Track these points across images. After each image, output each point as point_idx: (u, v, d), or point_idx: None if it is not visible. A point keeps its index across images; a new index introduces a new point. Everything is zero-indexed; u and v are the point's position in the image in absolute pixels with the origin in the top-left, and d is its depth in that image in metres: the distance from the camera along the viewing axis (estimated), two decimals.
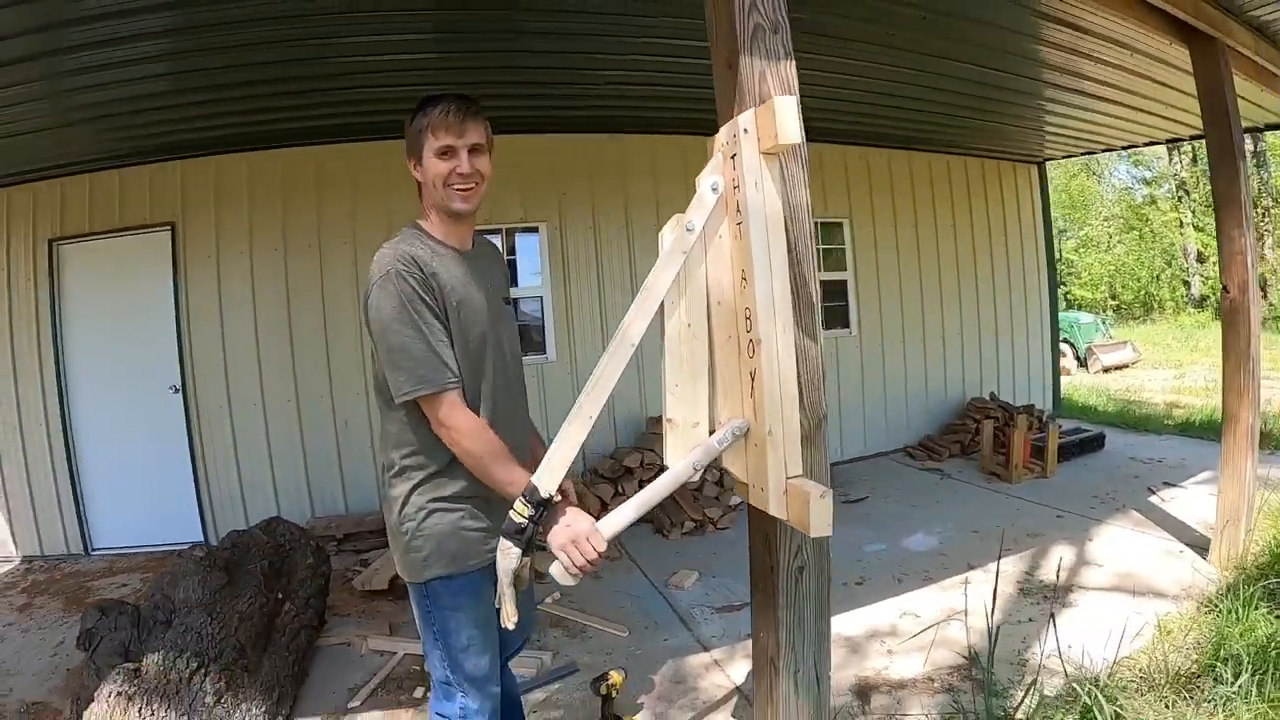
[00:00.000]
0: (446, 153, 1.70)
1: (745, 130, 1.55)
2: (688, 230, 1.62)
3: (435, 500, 1.72)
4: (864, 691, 2.90)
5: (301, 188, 5.57)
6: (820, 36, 4.22)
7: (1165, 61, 4.73)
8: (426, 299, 1.62)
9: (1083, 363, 13.65)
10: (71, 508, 5.56)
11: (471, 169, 1.72)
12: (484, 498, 1.75)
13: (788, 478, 1.59)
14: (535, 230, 6.09)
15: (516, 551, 1.57)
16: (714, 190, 1.63)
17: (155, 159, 5.38)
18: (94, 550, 5.60)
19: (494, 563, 1.71)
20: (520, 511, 1.57)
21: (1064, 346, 13.13)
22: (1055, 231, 23.99)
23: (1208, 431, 7.04)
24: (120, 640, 3.11)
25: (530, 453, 1.91)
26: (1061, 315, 14.32)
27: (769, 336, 1.55)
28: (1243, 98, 4.06)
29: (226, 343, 5.49)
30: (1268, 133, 8.32)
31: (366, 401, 5.53)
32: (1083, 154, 8.30)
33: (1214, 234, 22.31)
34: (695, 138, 5.88)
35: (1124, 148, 7.90)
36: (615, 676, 2.61)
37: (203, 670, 2.78)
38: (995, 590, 2.95)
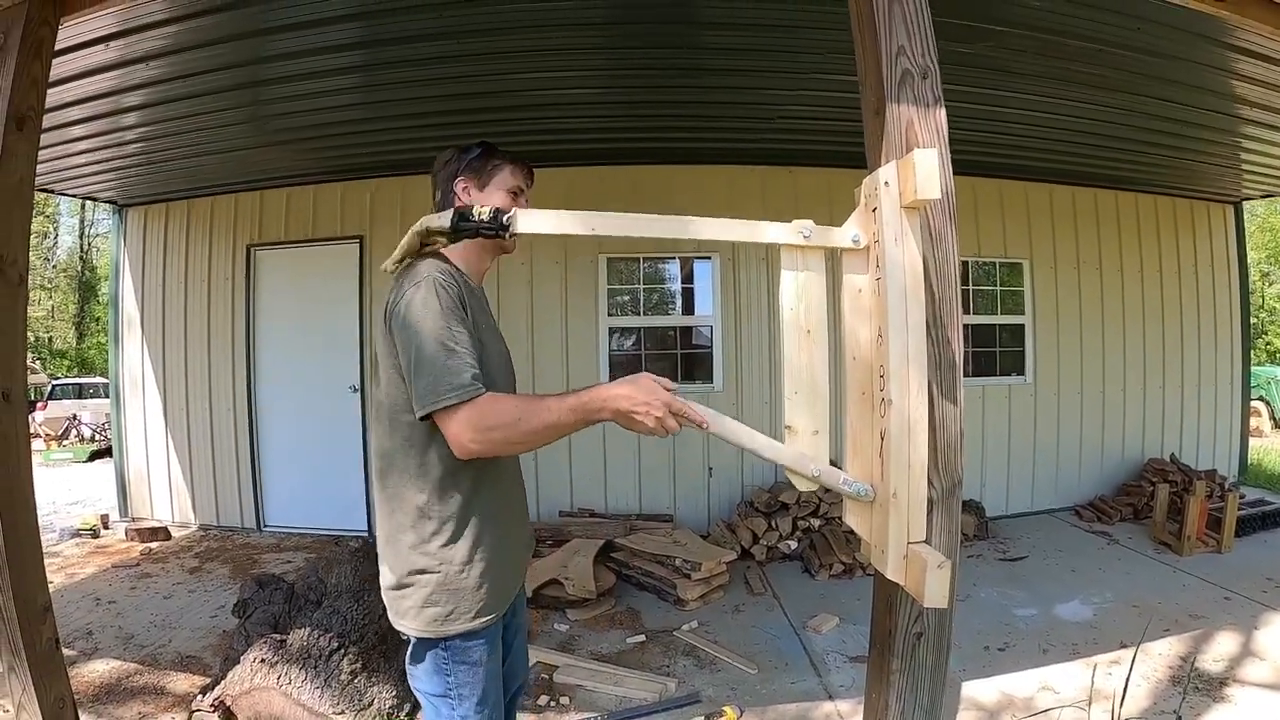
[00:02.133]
0: (517, 193, 1.79)
1: (886, 183, 1.51)
2: (803, 235, 1.59)
3: (464, 550, 1.59)
4: None
5: None
6: (992, 71, 4.07)
7: None
8: (460, 312, 1.54)
9: (1278, 424, 12.20)
10: (250, 485, 6.17)
11: None
12: (503, 546, 1.68)
13: (909, 543, 1.53)
14: (709, 259, 6.12)
15: (446, 223, 1.52)
16: (855, 242, 1.60)
17: (347, 177, 5.89)
18: (265, 527, 6.18)
19: (507, 612, 1.72)
20: (484, 213, 1.51)
21: (1259, 404, 11.81)
22: (1259, 276, 21.67)
23: None
24: (272, 613, 3.42)
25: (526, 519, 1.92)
26: (1259, 370, 12.91)
27: (900, 397, 1.51)
28: None
29: None
30: None
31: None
32: None
33: None
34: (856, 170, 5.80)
35: None
36: (730, 714, 2.59)
37: (342, 650, 3.01)
38: (1128, 679, 2.69)
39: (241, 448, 6.18)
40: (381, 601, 3.24)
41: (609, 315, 6.07)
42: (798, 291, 1.62)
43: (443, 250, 1.71)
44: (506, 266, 5.79)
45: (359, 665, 3.01)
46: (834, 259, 1.67)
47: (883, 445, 1.55)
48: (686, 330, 6.31)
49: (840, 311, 1.67)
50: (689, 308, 6.30)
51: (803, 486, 1.62)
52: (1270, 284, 23.01)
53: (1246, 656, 3.62)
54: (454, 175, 1.76)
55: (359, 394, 5.96)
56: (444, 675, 1.62)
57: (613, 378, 5.56)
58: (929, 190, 1.42)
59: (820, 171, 5.96)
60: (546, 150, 5.37)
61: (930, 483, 1.62)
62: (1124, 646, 3.72)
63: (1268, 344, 21.33)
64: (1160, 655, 3.62)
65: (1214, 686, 3.31)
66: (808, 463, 1.58)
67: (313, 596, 3.55)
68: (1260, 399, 12.12)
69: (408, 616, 1.60)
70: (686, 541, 4.94)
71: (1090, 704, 2.95)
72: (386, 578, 1.65)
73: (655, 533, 5.15)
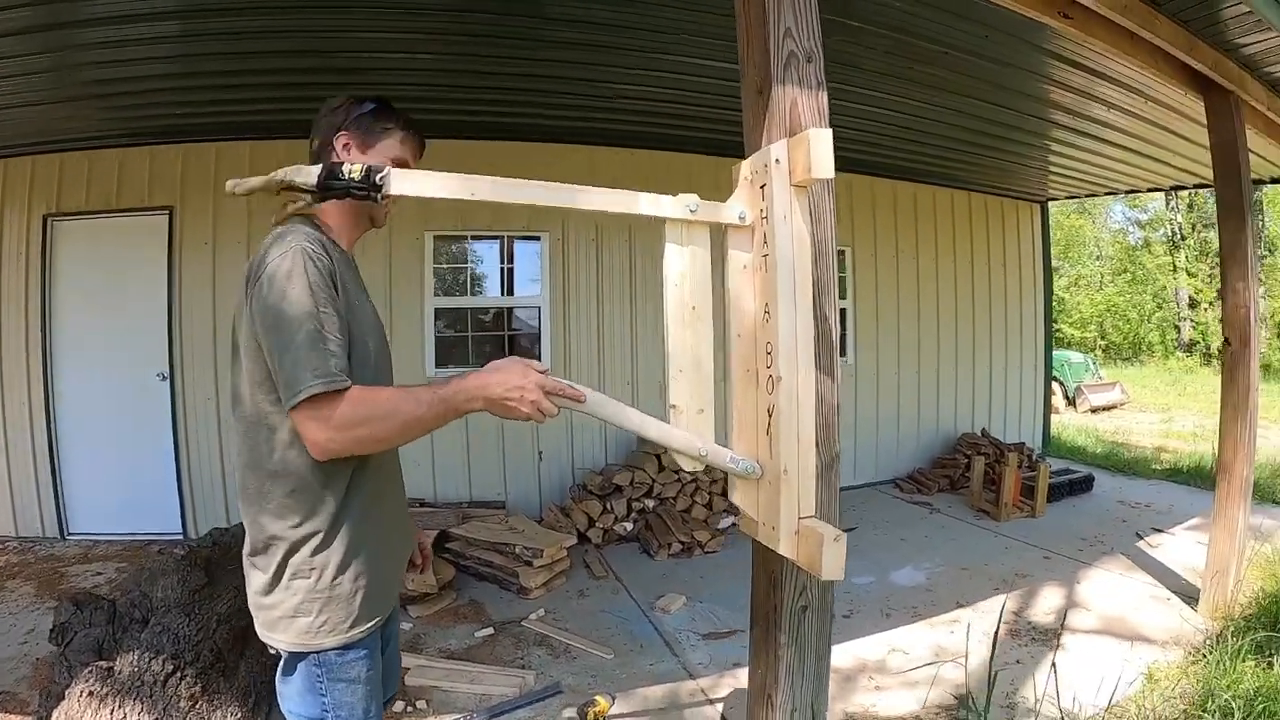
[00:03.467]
0: (401, 167, 1.58)
1: (777, 160, 1.51)
2: (690, 210, 1.56)
3: (336, 554, 1.43)
4: None
5: None
6: (839, 65, 4.23)
7: (1178, 111, 4.76)
8: (331, 290, 1.37)
9: (1071, 402, 13.72)
10: (50, 490, 5.45)
11: None
12: (380, 551, 1.53)
13: (800, 518, 1.54)
14: (537, 239, 6.04)
15: (312, 179, 1.34)
16: (741, 219, 1.60)
17: (157, 141, 5.31)
18: (70, 535, 5.50)
19: (384, 621, 1.57)
20: (355, 171, 1.34)
21: (1053, 385, 13.20)
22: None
23: (1195, 478, 7.10)
24: (95, 637, 3.03)
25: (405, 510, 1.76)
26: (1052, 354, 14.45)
27: (790, 373, 1.51)
28: (1251, 150, 4.08)
29: (218, 333, 5.39)
30: (1269, 186, 8.40)
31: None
32: (1086, 195, 8.36)
33: (1206, 280, 22.59)
34: (706, 157, 5.98)
35: (1127, 192, 7.95)
36: (602, 703, 2.56)
37: (178, 673, 2.70)
38: (996, 634, 2.93)
39: (39, 446, 5.43)
40: (214, 614, 2.99)
41: (435, 295, 5.88)
42: (682, 268, 1.59)
43: (316, 212, 1.53)
44: None
45: (198, 689, 2.71)
46: (717, 236, 1.65)
47: (770, 422, 1.55)
48: (513, 311, 6.23)
49: (725, 289, 1.66)
50: (509, 289, 6.18)
51: (689, 467, 1.60)
52: (1059, 277, 25.89)
53: (1072, 608, 4.02)
54: (337, 127, 1.58)
55: (168, 382, 5.43)
56: (318, 695, 1.46)
57: (438, 361, 5.33)
58: (823, 169, 1.43)
59: (658, 154, 6.01)
60: None
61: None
62: (960, 606, 4.04)
63: (1057, 331, 23.93)
64: (994, 612, 3.91)
65: (1049, 637, 3.64)
66: (695, 442, 1.56)
67: (138, 614, 3.17)
68: (1055, 380, 13.55)
69: (276, 629, 1.44)
70: (523, 528, 4.85)
71: (942, 656, 3.17)
72: (254, 584, 1.47)
73: (489, 520, 5.03)
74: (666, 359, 1.60)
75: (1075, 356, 14.96)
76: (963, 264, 7.89)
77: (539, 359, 5.94)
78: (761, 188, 1.56)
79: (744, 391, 1.66)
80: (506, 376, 1.34)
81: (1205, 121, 3.84)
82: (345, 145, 1.57)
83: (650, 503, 5.50)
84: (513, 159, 5.69)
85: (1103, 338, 25.39)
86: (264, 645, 3.02)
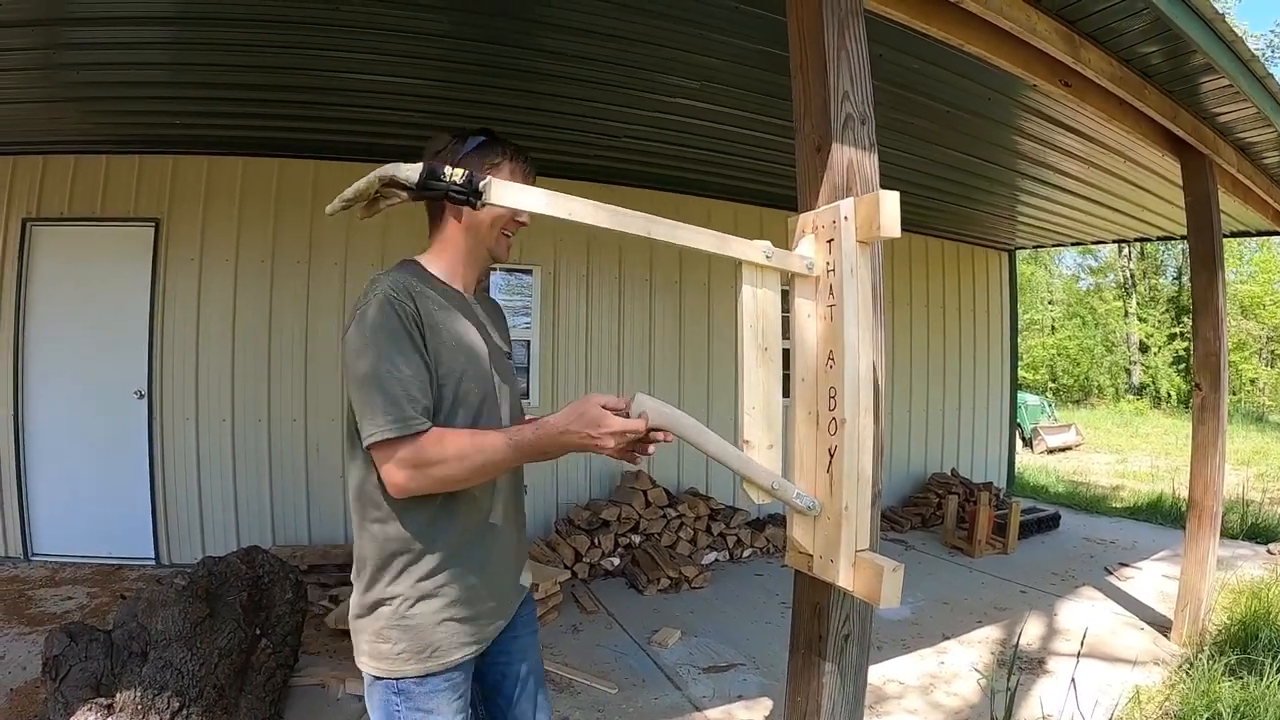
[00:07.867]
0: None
1: (846, 217, 1.62)
2: (765, 255, 1.64)
3: (416, 583, 1.46)
4: None
5: (296, 201, 5.44)
6: None
7: (1154, 170, 5.06)
8: (413, 334, 1.41)
9: (1028, 443, 14.07)
10: (15, 508, 5.25)
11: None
12: (471, 583, 1.53)
13: (857, 551, 1.63)
14: (529, 272, 6.07)
15: (414, 176, 1.37)
16: (809, 269, 1.69)
17: (146, 150, 5.22)
18: (34, 556, 5.29)
19: (474, 657, 1.57)
20: (455, 174, 1.38)
21: None
22: None
23: (1154, 515, 7.44)
24: (92, 671, 2.90)
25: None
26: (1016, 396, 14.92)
27: (853, 417, 1.60)
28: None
29: (200, 352, 5.31)
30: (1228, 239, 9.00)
31: (342, 427, 5.35)
32: (1054, 245, 8.70)
33: (1156, 326, 23.35)
34: (694, 198, 6.09)
35: (1094, 242, 8.32)
36: None
37: (184, 711, 2.63)
38: (1015, 655, 3.02)
39: (5, 461, 5.24)
40: (215, 648, 2.94)
41: None
42: (757, 309, 1.67)
43: (421, 257, 1.60)
44: (319, 268, 5.50)
45: None
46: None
47: (831, 461, 1.64)
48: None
49: (793, 335, 1.75)
50: None
51: (758, 498, 1.67)
52: None
53: (1054, 636, 4.19)
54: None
55: (146, 400, 5.31)
56: None
57: None
58: (891, 229, 1.53)
59: (646, 193, 6.06)
60: (368, 144, 5.07)
61: None
62: (945, 638, 4.16)
63: None
64: (980, 642, 4.08)
65: (1035, 665, 3.79)
66: (767, 475, 1.64)
67: (136, 647, 3.03)
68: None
69: (361, 653, 1.49)
70: None
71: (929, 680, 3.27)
72: (351, 606, 1.53)
73: None
74: (741, 396, 1.68)
75: (1032, 399, 15.35)
76: (935, 309, 8.15)
77: (528, 394, 5.94)
78: (829, 241, 1.66)
79: (805, 432, 1.74)
80: (580, 425, 1.35)
81: (1180, 181, 4.11)
82: None
83: (636, 538, 5.53)
84: None
85: (1054, 380, 26.18)
86: (263, 681, 2.96)
